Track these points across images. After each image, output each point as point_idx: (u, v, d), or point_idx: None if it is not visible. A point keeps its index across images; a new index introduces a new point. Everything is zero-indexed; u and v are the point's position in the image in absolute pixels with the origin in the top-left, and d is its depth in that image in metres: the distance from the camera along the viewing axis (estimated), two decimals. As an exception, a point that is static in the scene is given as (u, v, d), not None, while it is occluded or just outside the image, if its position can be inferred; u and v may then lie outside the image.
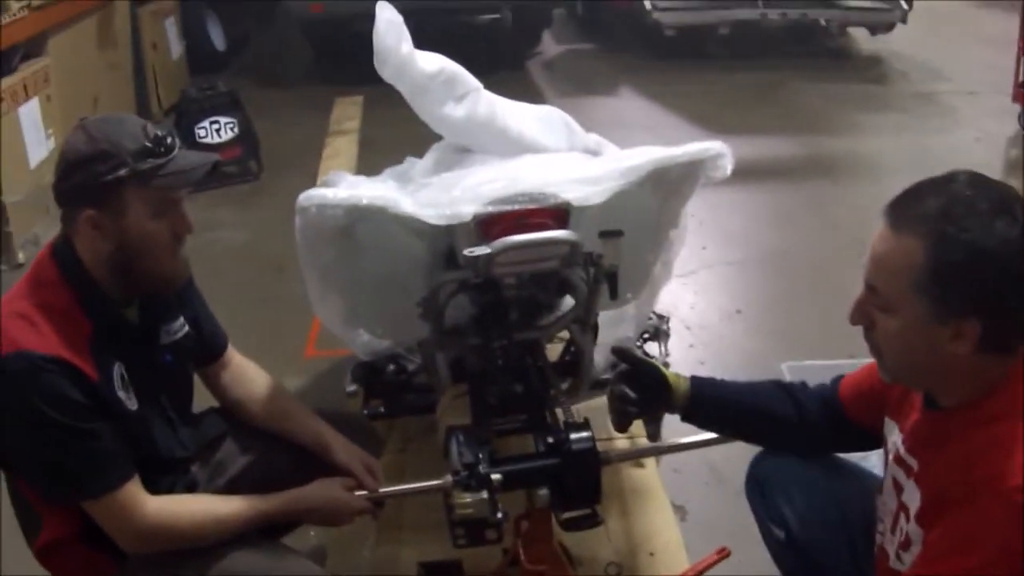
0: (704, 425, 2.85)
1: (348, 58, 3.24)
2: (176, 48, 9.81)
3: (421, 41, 3.51)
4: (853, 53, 11.22)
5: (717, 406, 2.77)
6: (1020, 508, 1.93)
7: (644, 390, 2.73)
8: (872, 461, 2.79)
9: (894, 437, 2.36)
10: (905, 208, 2.08)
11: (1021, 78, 8.09)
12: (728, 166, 3.05)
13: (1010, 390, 2.07)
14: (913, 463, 2.24)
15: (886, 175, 7.46)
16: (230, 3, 11.02)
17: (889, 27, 10.73)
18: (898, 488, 2.29)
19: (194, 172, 2.59)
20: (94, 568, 2.70)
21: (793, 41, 11.24)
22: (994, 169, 7.42)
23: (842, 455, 2.83)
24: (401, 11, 3.45)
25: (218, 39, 10.88)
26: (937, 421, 2.20)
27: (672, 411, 2.77)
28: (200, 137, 7.51)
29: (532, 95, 9.29)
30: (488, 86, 3.67)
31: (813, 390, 2.76)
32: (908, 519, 2.21)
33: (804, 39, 11.28)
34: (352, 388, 3.92)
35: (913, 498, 2.20)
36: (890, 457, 2.37)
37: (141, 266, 2.58)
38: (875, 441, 2.55)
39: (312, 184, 4.14)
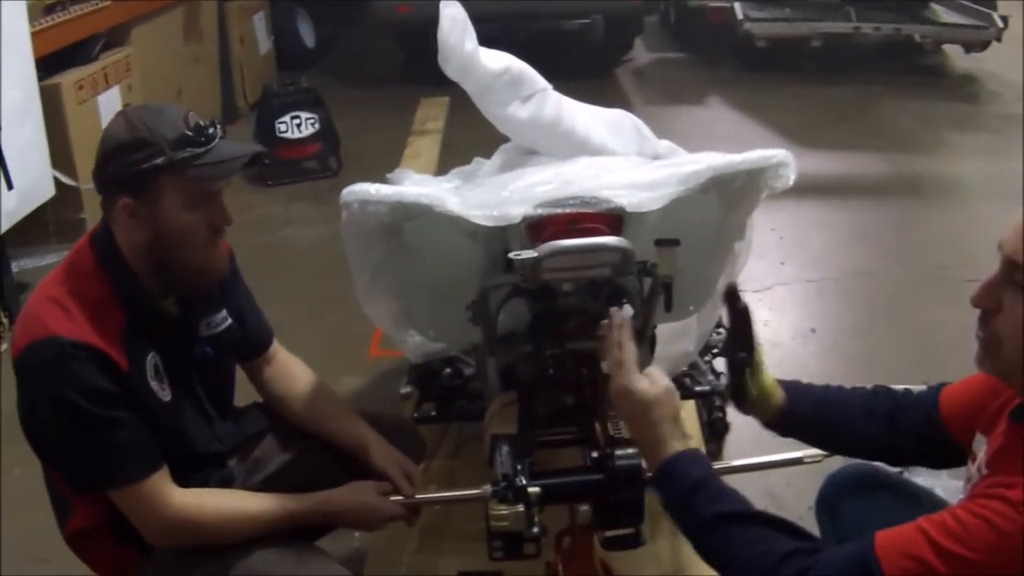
0: (785, 435, 2.73)
1: (436, 59, 3.20)
2: (264, 44, 9.85)
3: (508, 47, 3.44)
4: (946, 71, 11.01)
5: (804, 429, 2.66)
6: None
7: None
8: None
9: (982, 452, 2.22)
10: None
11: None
12: (791, 175, 2.92)
13: None
14: (986, 474, 2.11)
15: (974, 199, 7.31)
16: (321, 2, 11.05)
17: (984, 45, 10.51)
18: None
19: (231, 164, 2.52)
20: (121, 558, 2.69)
21: (886, 56, 11.03)
22: (1085, 197, 7.24)
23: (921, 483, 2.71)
24: (487, 17, 3.37)
25: (308, 37, 10.91)
26: (1016, 435, 2.06)
27: (760, 418, 2.68)
28: (281, 132, 7.54)
29: (620, 102, 9.16)
30: (576, 92, 3.59)
31: (916, 398, 2.58)
32: None
33: (897, 55, 11.07)
34: (406, 390, 3.86)
35: None
36: (974, 470, 2.23)
37: (176, 257, 2.53)
38: (963, 457, 2.41)
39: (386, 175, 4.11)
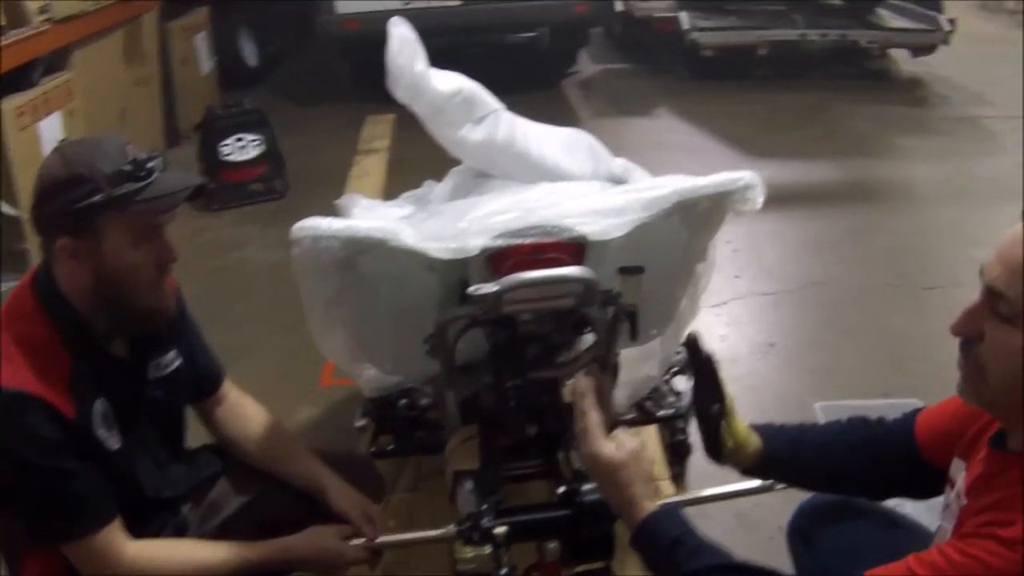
0: (766, 479, 2.68)
1: (383, 76, 3.14)
2: (206, 64, 9.73)
3: (453, 62, 3.36)
4: (894, 75, 11.03)
5: (783, 472, 2.60)
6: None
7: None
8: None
9: (960, 478, 2.15)
10: None
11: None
12: (759, 198, 2.84)
13: None
14: (965, 503, 2.05)
15: (928, 202, 7.29)
16: (264, 19, 10.95)
17: (931, 49, 10.54)
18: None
19: (174, 197, 2.41)
20: None
21: (834, 62, 11.03)
22: (1039, 198, 7.25)
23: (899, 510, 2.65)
24: (433, 31, 3.29)
25: (251, 55, 10.82)
26: (997, 463, 1.99)
27: (736, 466, 2.59)
28: (225, 154, 7.43)
29: (567, 115, 9.19)
30: (522, 105, 3.52)
31: (891, 426, 2.51)
32: None
33: (845, 60, 11.08)
34: (361, 422, 3.77)
35: None
36: (952, 497, 2.16)
37: (123, 298, 2.43)
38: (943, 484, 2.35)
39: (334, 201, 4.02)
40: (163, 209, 2.41)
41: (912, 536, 2.56)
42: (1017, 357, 1.86)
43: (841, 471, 2.52)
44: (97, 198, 2.30)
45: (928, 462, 2.38)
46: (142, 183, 2.35)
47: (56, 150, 2.42)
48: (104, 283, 2.39)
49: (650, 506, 2.15)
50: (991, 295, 1.88)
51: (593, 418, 2.24)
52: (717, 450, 2.56)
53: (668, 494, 3.67)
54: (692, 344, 2.59)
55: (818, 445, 2.55)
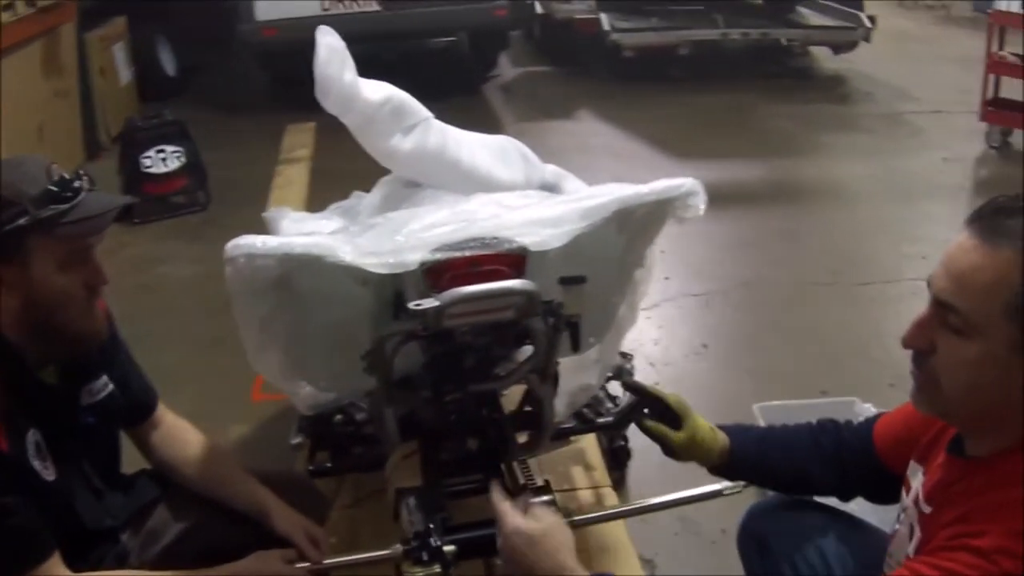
0: (733, 478, 2.67)
1: (303, 84, 3.10)
2: (125, 75, 9.61)
3: (374, 68, 3.31)
4: (816, 73, 11.10)
5: (752, 469, 2.60)
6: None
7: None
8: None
9: (917, 481, 2.14)
10: (1001, 217, 1.82)
11: (988, 97, 7.96)
12: (701, 205, 2.83)
13: None
14: (927, 511, 2.03)
15: (855, 199, 7.33)
16: (181, 28, 10.83)
17: (852, 46, 10.63)
18: (912, 536, 2.08)
19: (102, 219, 2.35)
20: None
21: (756, 62, 11.10)
22: (964, 190, 7.31)
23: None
24: (353, 37, 3.25)
25: (169, 65, 10.69)
26: (958, 468, 1.98)
27: (702, 464, 2.61)
28: (146, 167, 7.32)
29: (489, 120, 9.16)
30: (443, 111, 3.49)
31: (854, 430, 2.52)
32: None
33: (767, 59, 11.15)
34: (297, 440, 3.70)
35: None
36: (909, 500, 2.15)
37: (53, 323, 2.35)
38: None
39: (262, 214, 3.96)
40: (91, 231, 2.34)
41: (862, 538, 2.55)
42: (970, 368, 1.85)
43: (807, 472, 2.52)
44: (22, 221, 2.23)
45: (887, 467, 2.38)
46: (68, 204, 2.28)
47: (-21, 173, 2.34)
48: (33, 308, 2.31)
49: (582, 571, 2.14)
50: (940, 307, 1.87)
51: (506, 505, 2.28)
52: (669, 448, 2.60)
53: (611, 503, 3.65)
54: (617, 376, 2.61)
55: (784, 445, 2.56)
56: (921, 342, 1.92)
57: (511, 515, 2.24)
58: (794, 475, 2.54)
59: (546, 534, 2.19)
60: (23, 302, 2.30)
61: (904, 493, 2.20)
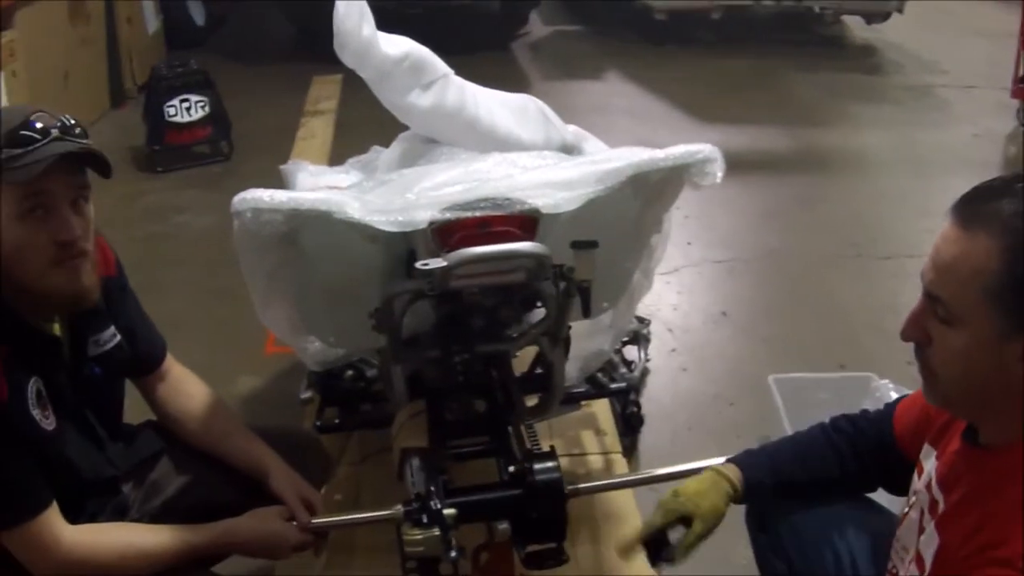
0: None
1: (329, 36, 3.06)
2: (152, 23, 9.54)
3: (404, 23, 3.26)
4: (847, 42, 10.97)
5: (771, 492, 2.51)
6: None
7: None
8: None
9: (929, 465, 2.11)
10: (978, 204, 1.80)
11: (1020, 73, 7.86)
12: (719, 172, 2.78)
13: None
14: (940, 501, 2.00)
15: (880, 172, 7.23)
16: (210, -23, 10.78)
17: (885, 16, 10.47)
18: (920, 527, 2.05)
19: (43, 163, 2.22)
20: None
21: (786, 28, 10.95)
22: (992, 166, 7.21)
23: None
24: None
25: (198, 15, 10.61)
26: (973, 459, 1.95)
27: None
28: (170, 116, 7.26)
29: (516, 78, 9.09)
30: (471, 68, 3.44)
31: (872, 419, 2.48)
32: (922, 571, 1.97)
33: (797, 26, 11.00)
34: (307, 395, 3.70)
35: (930, 546, 1.96)
36: (920, 484, 2.11)
37: (16, 278, 2.28)
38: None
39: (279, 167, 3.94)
40: (32, 175, 2.21)
41: (866, 516, 2.51)
42: (961, 358, 1.83)
43: (825, 478, 2.48)
44: None
45: (906, 457, 2.32)
46: (27, 148, 2.21)
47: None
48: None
49: None
50: (929, 298, 1.86)
51: None
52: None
53: (620, 469, 3.63)
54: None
55: (798, 457, 2.50)
56: (916, 334, 1.91)
57: None
58: (811, 485, 2.48)
59: None
60: None
61: (916, 476, 2.17)
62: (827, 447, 2.46)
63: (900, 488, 2.42)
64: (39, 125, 2.24)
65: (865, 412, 2.51)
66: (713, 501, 2.42)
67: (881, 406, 2.54)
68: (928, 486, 2.06)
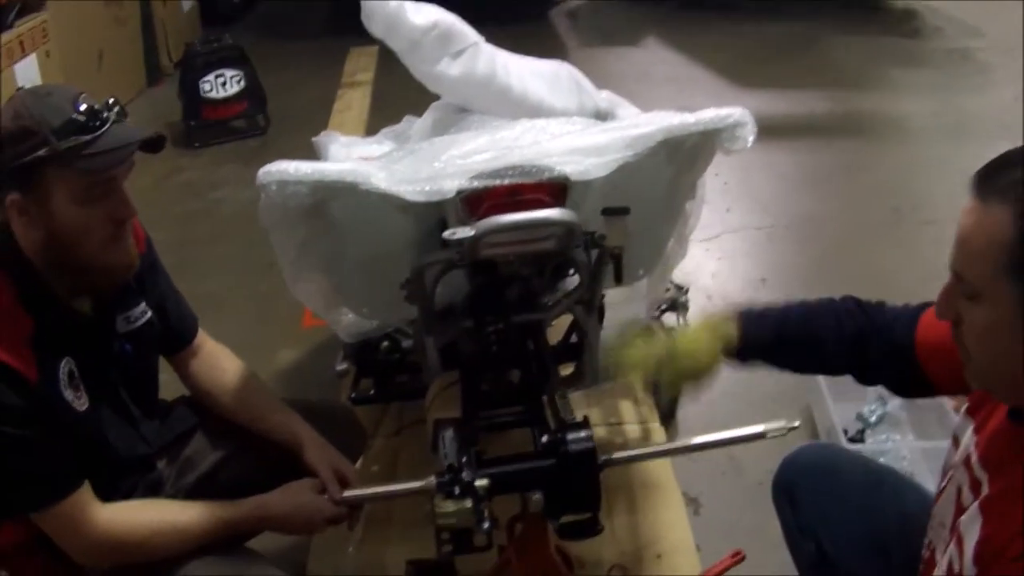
0: (745, 364, 2.53)
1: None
2: (186, 3, 9.52)
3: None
4: (887, 6, 10.82)
5: (768, 354, 2.48)
6: None
7: None
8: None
9: (967, 438, 2.03)
10: (995, 175, 1.72)
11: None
12: (749, 136, 2.72)
13: None
14: (984, 481, 1.91)
15: (921, 137, 7.15)
16: (245, -47, 10.75)
17: (927, -20, 10.36)
18: (958, 506, 1.97)
19: (121, 152, 2.27)
20: None
21: (826, -8, 10.86)
22: (1032, 130, 7.12)
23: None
24: None
25: (231, -10, 10.61)
26: (1015, 439, 1.86)
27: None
28: (205, 92, 7.29)
29: (554, 46, 9.04)
30: (507, 37, 3.41)
31: (890, 324, 2.33)
32: (962, 552, 1.88)
33: (836, -11, 10.90)
34: (342, 367, 3.69)
35: (972, 528, 1.87)
36: (957, 459, 2.03)
37: (75, 256, 2.31)
38: (933, 392, 2.29)
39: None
40: (110, 164, 2.27)
41: (897, 495, 2.48)
42: (988, 336, 1.76)
43: (828, 359, 2.43)
44: (42, 152, 2.18)
45: (921, 366, 2.25)
46: (91, 135, 2.22)
47: (9, 101, 2.29)
48: (55, 241, 2.28)
49: None
50: (955, 276, 1.79)
51: None
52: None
53: (657, 438, 3.61)
54: None
55: (807, 332, 2.42)
56: (948, 312, 1.83)
57: None
58: (810, 360, 2.46)
59: None
60: (45, 234, 2.27)
61: (952, 449, 2.10)
62: (835, 326, 2.38)
63: (905, 392, 2.41)
64: (94, 108, 2.26)
65: (882, 308, 2.41)
66: (708, 347, 2.43)
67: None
68: (967, 463, 1.98)
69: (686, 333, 2.46)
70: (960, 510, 1.95)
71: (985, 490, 1.89)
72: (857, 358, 2.36)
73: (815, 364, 2.49)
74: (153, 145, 2.35)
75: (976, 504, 1.89)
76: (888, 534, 2.35)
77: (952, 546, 1.93)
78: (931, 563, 2.06)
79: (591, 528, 2.58)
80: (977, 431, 2.00)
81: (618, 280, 2.74)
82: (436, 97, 3.59)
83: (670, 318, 4.23)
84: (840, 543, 2.40)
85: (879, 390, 3.22)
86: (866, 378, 2.45)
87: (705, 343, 2.43)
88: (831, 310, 2.42)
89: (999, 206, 1.67)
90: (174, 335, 2.79)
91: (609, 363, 2.49)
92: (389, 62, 3.50)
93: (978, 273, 1.71)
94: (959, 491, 1.98)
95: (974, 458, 1.96)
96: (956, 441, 2.08)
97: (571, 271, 2.92)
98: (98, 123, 2.23)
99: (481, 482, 2.39)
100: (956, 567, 1.90)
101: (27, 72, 6.33)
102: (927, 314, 2.26)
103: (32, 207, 2.24)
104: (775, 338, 2.43)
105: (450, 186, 2.51)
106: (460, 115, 3.43)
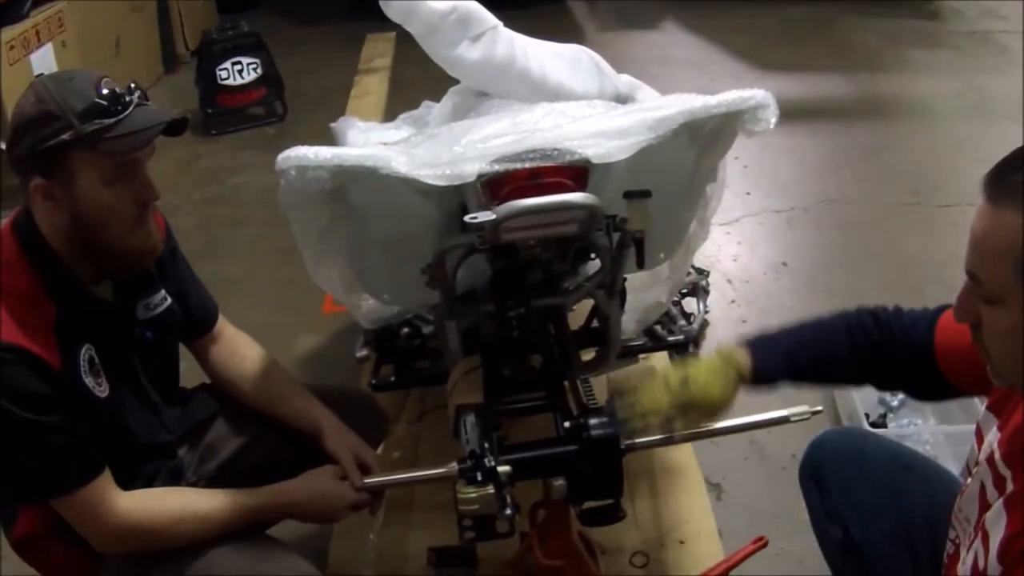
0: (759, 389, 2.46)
1: None
2: (204, -10, 9.52)
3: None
4: (906, -13, 10.80)
5: (783, 381, 2.41)
6: None
7: None
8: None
9: (991, 435, 2.00)
10: (1004, 177, 1.69)
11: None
12: (772, 118, 2.68)
13: None
14: (1008, 478, 1.89)
15: (942, 119, 7.10)
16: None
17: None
18: (983, 502, 1.95)
19: (145, 134, 2.26)
20: (73, 564, 2.51)
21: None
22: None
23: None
24: None
25: (248, -24, 10.59)
26: None
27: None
28: (222, 79, 7.27)
29: (572, 30, 9.01)
30: (525, 22, 3.39)
31: (908, 329, 2.29)
32: (987, 549, 1.87)
33: (856, -27, 10.84)
34: (362, 353, 3.69)
35: (998, 525, 1.86)
36: (981, 456, 2.01)
37: (101, 239, 2.30)
38: (955, 394, 2.26)
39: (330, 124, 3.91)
40: (133, 147, 2.26)
41: (923, 480, 2.46)
42: (1007, 338, 1.74)
43: (843, 378, 2.46)
44: (66, 135, 2.18)
45: (942, 371, 2.22)
46: (114, 119, 2.22)
47: (30, 86, 2.28)
48: (81, 225, 2.27)
49: None
50: (971, 279, 1.76)
51: None
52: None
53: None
54: None
55: (815, 359, 2.38)
56: (968, 315, 1.81)
57: None
58: (822, 372, 2.41)
59: None
60: (71, 218, 2.27)
61: (975, 446, 2.08)
62: (847, 344, 2.33)
63: (925, 396, 2.39)
64: (116, 91, 2.26)
65: (899, 313, 2.35)
66: (722, 389, 2.37)
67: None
68: (990, 460, 1.96)
69: (698, 375, 2.39)
70: (985, 506, 1.94)
71: (1009, 487, 1.88)
72: (874, 370, 2.34)
73: (832, 382, 2.50)
74: (176, 128, 2.34)
75: (1001, 501, 1.88)
76: (914, 520, 2.33)
77: (978, 542, 1.92)
78: (955, 558, 2.06)
79: (613, 514, 2.57)
80: (1001, 428, 1.98)
81: (640, 264, 2.72)
82: (454, 82, 3.58)
83: (690, 303, 4.23)
84: (868, 528, 2.38)
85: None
86: (885, 386, 2.47)
87: (718, 385, 2.38)
88: (844, 327, 2.37)
89: (1010, 209, 1.65)
90: (194, 322, 2.78)
91: (622, 413, 2.44)
92: (407, 48, 3.48)
93: (993, 276, 1.69)
94: (983, 488, 1.96)
95: (998, 455, 1.93)
96: (980, 437, 2.06)
97: (592, 255, 2.89)
98: (120, 106, 2.23)
99: (503, 468, 2.39)
100: (981, 564, 1.89)
101: (43, 62, 6.33)
102: (945, 317, 2.24)
103: (57, 191, 2.23)
104: (788, 365, 2.40)
105: (471, 170, 2.48)
106: (479, 99, 3.42)
